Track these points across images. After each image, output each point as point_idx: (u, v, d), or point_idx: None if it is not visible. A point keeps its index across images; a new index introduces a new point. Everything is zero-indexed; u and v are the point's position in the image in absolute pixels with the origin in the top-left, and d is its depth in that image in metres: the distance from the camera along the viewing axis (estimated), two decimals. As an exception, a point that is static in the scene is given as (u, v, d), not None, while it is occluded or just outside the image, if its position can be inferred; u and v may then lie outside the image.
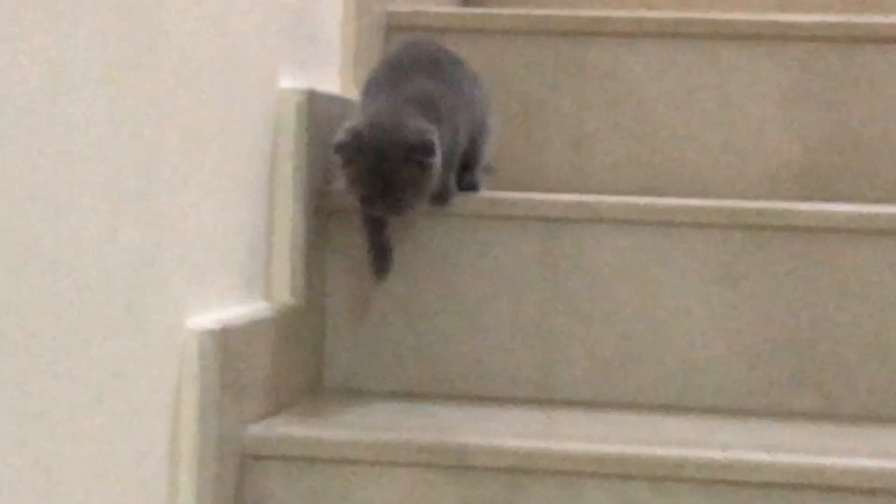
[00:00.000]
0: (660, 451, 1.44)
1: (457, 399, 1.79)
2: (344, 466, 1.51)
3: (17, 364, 1.06)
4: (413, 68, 1.56)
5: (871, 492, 1.39)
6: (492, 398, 1.79)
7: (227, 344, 1.46)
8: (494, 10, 2.26)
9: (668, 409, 1.75)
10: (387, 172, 1.38)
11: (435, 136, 1.40)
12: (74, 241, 1.17)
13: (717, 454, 1.44)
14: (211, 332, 1.42)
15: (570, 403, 1.76)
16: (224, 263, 1.54)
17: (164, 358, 1.37)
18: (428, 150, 1.38)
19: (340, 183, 1.55)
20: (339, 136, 1.41)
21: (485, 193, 1.83)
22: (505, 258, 1.80)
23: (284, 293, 1.71)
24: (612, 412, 1.71)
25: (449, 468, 1.48)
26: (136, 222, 1.30)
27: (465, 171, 1.64)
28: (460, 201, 1.78)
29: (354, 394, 1.82)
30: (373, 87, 1.57)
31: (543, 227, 1.78)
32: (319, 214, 1.81)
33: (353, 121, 1.44)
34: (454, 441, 1.48)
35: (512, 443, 1.47)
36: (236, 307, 1.51)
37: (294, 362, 1.73)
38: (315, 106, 1.71)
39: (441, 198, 1.54)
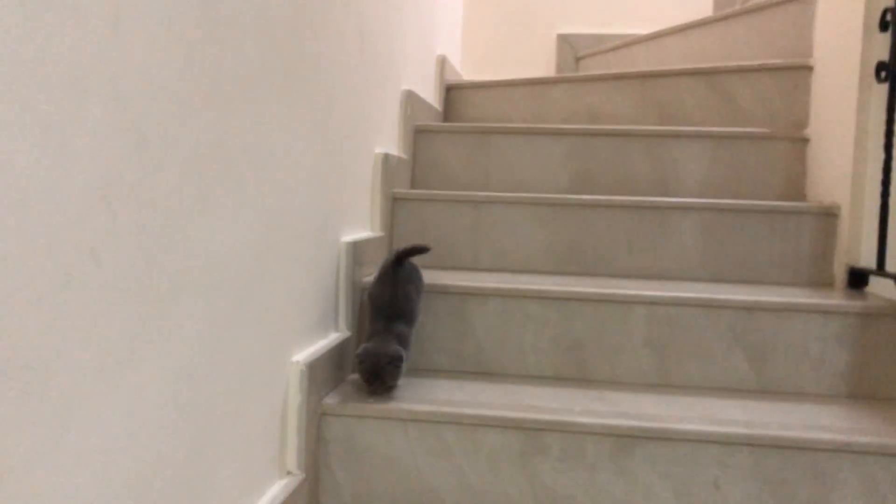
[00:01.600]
0: (521, 286, 1.62)
1: (436, 268, 1.91)
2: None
3: (263, 266, 1.23)
4: (396, 283, 1.43)
5: (599, 300, 1.59)
6: (453, 268, 1.93)
7: (356, 250, 1.61)
8: (453, 124, 2.26)
9: (521, 271, 1.91)
10: (380, 370, 1.33)
11: (403, 353, 1.34)
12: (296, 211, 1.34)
13: (545, 287, 1.62)
14: (348, 243, 1.60)
15: (485, 270, 1.91)
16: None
17: (333, 253, 1.51)
18: (400, 359, 1.33)
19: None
20: (359, 350, 1.34)
21: (450, 192, 1.94)
22: (457, 219, 1.94)
23: (379, 227, 1.87)
24: (502, 273, 1.86)
25: (437, 293, 1.62)
26: (337, 193, 1.48)
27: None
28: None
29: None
30: (375, 288, 1.45)
31: (473, 206, 1.94)
32: (389, 201, 1.93)
33: (365, 344, 1.36)
34: (437, 282, 1.62)
35: (461, 283, 1.63)
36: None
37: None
38: (388, 159, 1.86)
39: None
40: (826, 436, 1.28)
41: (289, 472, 1.28)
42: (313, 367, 1.32)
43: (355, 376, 1.55)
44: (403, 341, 1.38)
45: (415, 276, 1.49)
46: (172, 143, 0.84)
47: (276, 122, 1.16)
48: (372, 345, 1.34)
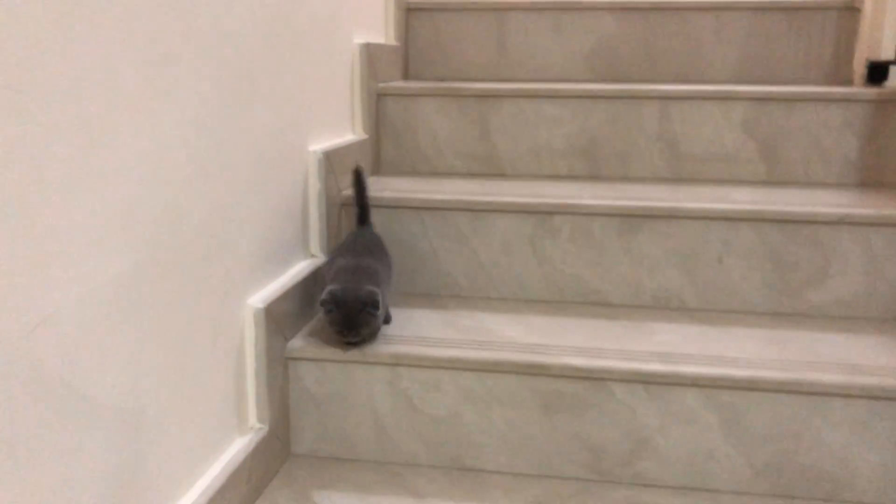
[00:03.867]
0: (535, 86, 1.65)
1: (456, 83, 2.01)
2: (415, 98, 1.66)
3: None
4: (360, 251, 1.21)
5: (612, 97, 1.60)
6: (467, 79, 1.96)
7: (370, 53, 1.63)
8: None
9: (554, 80, 2.00)
10: (351, 318, 1.11)
11: (379, 296, 1.12)
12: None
13: (558, 86, 1.66)
14: (362, 45, 1.59)
15: (508, 79, 1.93)
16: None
17: (347, 56, 1.54)
18: (375, 303, 1.11)
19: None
20: (323, 295, 1.12)
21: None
22: (475, 28, 1.94)
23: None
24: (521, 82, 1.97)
25: (453, 97, 1.65)
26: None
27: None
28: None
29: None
30: (336, 258, 1.22)
31: (496, 16, 1.98)
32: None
33: (330, 285, 1.13)
34: (453, 86, 1.65)
35: (477, 85, 1.66)
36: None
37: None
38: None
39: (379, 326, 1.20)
40: (827, 209, 1.32)
41: (312, 255, 1.36)
42: (331, 157, 1.37)
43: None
44: (374, 277, 1.16)
45: (382, 246, 1.30)
46: None
47: None
48: (339, 286, 1.12)
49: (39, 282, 0.66)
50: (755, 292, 1.35)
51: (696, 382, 1.10)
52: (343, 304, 1.11)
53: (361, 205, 1.32)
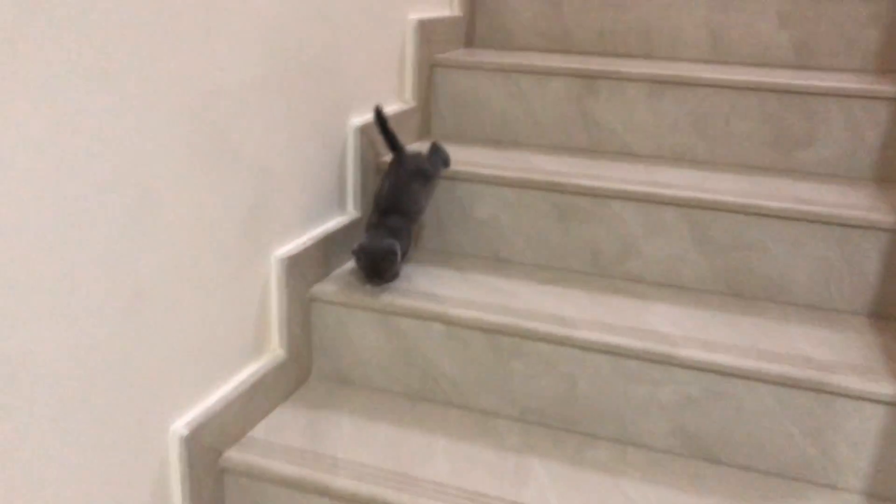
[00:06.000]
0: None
1: None
2: None
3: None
4: (393, 201, 1.39)
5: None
6: None
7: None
8: None
9: None
10: (375, 264, 1.31)
11: (397, 247, 1.32)
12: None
13: None
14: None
15: None
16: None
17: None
18: (394, 253, 1.31)
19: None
20: (354, 246, 1.33)
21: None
22: None
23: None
24: None
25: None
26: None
27: None
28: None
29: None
30: (380, 181, 1.45)
31: None
32: None
33: (360, 240, 1.34)
34: None
35: None
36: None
37: None
38: None
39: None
40: (818, 83, 1.57)
41: (405, 101, 1.75)
42: (425, 25, 1.74)
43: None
44: (397, 233, 1.36)
45: (423, 170, 1.44)
46: None
47: None
48: (366, 240, 1.34)
49: (210, 65, 1.08)
50: (753, 150, 1.63)
51: (673, 202, 1.43)
52: (369, 255, 1.33)
53: (389, 138, 1.45)
